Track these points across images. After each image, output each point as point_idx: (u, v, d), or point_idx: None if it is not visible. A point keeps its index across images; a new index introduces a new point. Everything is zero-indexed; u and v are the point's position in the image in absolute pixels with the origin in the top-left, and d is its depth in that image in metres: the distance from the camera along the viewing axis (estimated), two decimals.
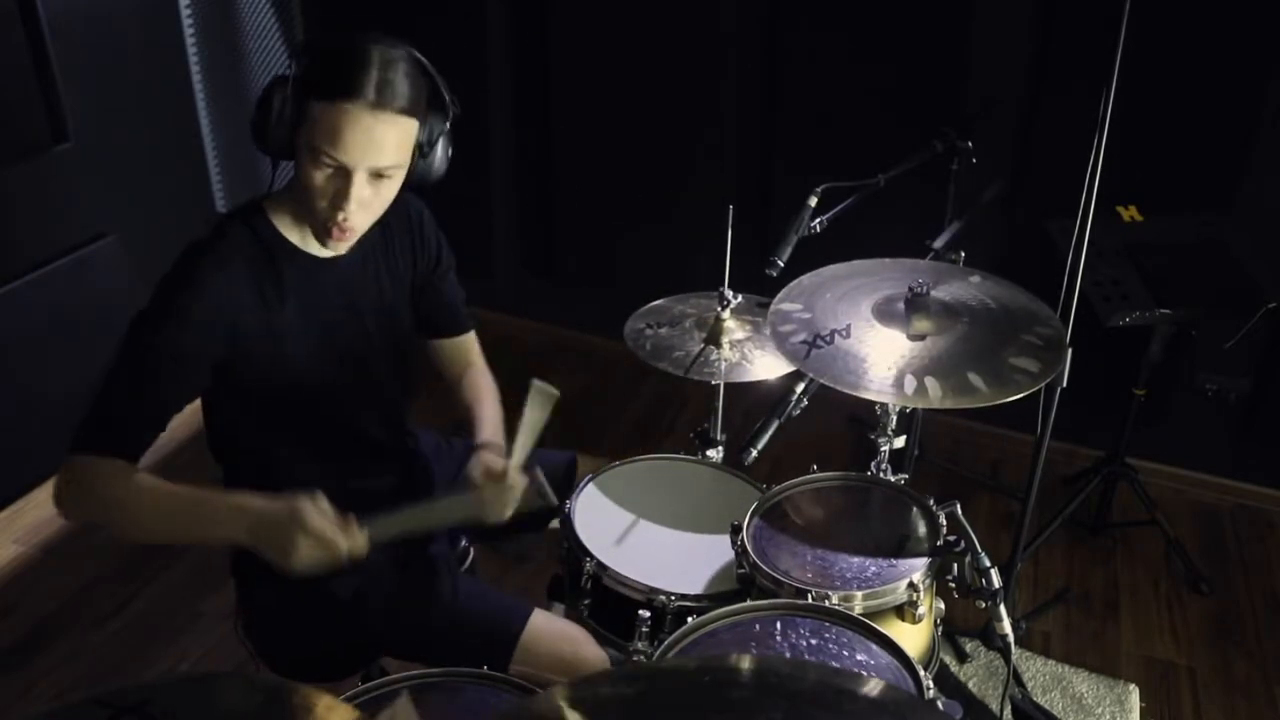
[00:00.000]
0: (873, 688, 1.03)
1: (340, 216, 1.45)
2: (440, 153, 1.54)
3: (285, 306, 1.54)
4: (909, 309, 1.82)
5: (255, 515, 1.36)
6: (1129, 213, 2.53)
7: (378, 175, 1.45)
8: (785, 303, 1.89)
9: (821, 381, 1.72)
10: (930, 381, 1.68)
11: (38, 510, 2.88)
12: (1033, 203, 2.82)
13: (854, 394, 1.67)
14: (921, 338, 1.78)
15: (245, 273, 1.50)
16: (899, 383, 1.68)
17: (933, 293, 1.84)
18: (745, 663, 1.11)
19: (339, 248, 1.55)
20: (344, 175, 1.43)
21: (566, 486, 1.95)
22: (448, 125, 1.53)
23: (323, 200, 1.45)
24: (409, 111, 1.44)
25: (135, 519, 1.42)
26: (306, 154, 1.43)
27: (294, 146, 1.45)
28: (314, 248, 1.57)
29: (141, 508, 1.42)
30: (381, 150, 1.43)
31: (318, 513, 1.33)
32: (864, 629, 1.53)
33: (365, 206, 1.47)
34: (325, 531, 1.32)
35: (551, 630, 1.67)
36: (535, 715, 1.02)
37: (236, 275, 1.49)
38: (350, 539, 1.35)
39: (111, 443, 1.42)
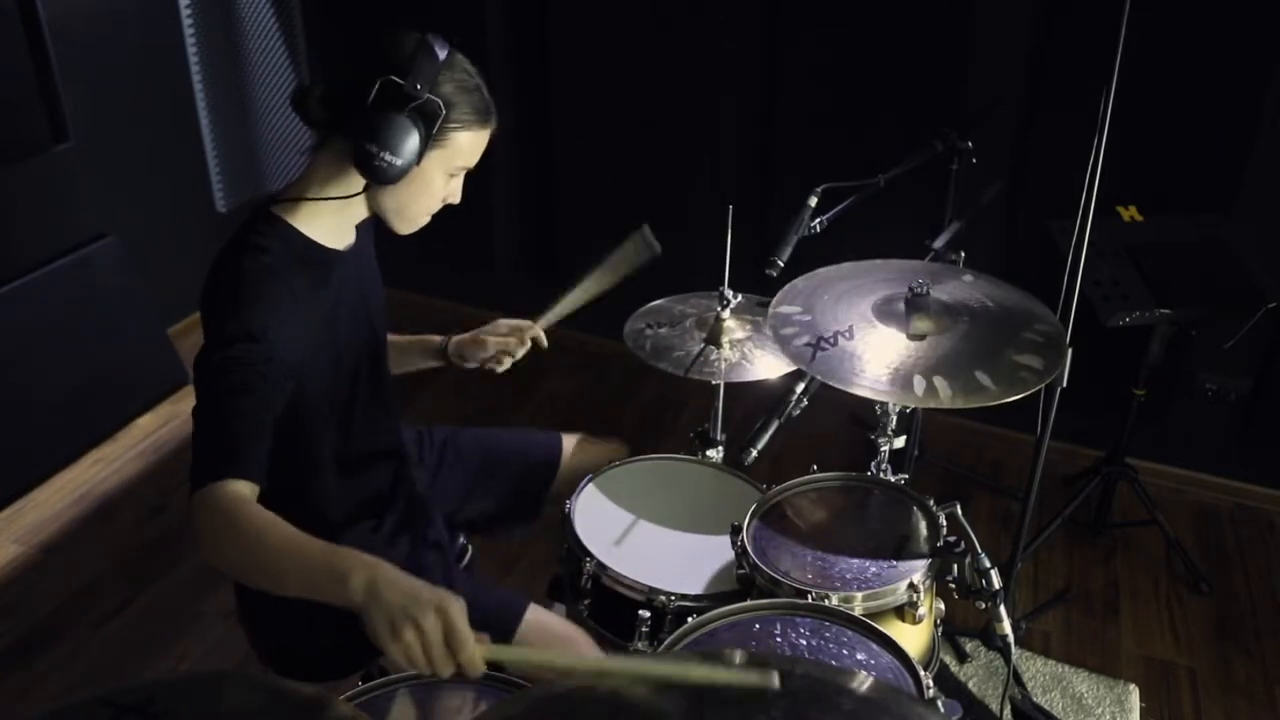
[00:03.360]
0: (871, 686, 1.03)
1: (439, 209, 1.63)
2: None
3: (323, 303, 1.57)
4: (909, 309, 1.82)
5: (388, 573, 1.24)
6: (1129, 213, 2.53)
7: None
8: (783, 305, 1.89)
9: (830, 384, 1.71)
10: (939, 381, 1.68)
11: (38, 510, 2.88)
12: (1033, 203, 2.83)
13: (862, 395, 1.67)
14: (922, 337, 1.78)
15: (294, 280, 1.51)
16: (908, 383, 1.68)
17: (932, 292, 1.84)
18: (743, 658, 1.10)
19: (407, 231, 1.65)
20: (458, 178, 1.63)
21: (548, 476, 2.00)
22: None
23: (435, 201, 1.61)
24: None
25: (263, 546, 1.29)
26: (439, 170, 1.57)
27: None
28: (330, 242, 1.59)
29: (267, 533, 1.30)
30: None
31: (460, 612, 1.21)
32: (864, 629, 1.53)
33: None
34: (459, 627, 1.20)
35: (547, 626, 1.69)
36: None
37: (293, 284, 1.50)
38: (469, 656, 1.21)
39: (232, 467, 1.35)
